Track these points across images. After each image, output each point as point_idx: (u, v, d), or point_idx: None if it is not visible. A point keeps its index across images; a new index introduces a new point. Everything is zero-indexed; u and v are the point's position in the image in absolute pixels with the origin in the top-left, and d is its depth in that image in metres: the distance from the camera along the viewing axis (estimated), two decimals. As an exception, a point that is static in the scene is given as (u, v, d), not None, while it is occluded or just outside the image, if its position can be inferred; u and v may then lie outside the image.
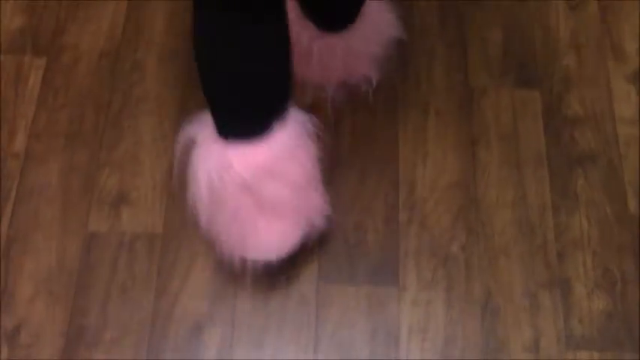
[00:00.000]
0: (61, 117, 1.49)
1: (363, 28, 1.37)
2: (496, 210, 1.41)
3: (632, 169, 1.45)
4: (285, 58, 1.17)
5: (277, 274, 1.32)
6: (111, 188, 1.43)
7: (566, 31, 1.58)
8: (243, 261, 1.26)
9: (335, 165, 1.44)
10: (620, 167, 1.45)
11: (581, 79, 1.54)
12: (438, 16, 1.59)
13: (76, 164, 1.45)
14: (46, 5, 1.61)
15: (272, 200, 1.20)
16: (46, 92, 1.51)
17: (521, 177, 1.43)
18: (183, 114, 1.48)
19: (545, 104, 1.51)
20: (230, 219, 1.21)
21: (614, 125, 1.49)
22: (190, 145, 1.20)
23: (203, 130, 1.20)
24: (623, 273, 1.36)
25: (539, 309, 1.32)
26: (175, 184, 1.37)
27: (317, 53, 1.36)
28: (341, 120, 1.49)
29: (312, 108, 1.47)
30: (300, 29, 1.34)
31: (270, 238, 1.24)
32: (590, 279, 1.35)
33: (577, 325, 1.31)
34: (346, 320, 1.32)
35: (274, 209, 1.22)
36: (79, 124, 1.49)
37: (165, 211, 1.41)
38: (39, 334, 1.30)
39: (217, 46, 1.13)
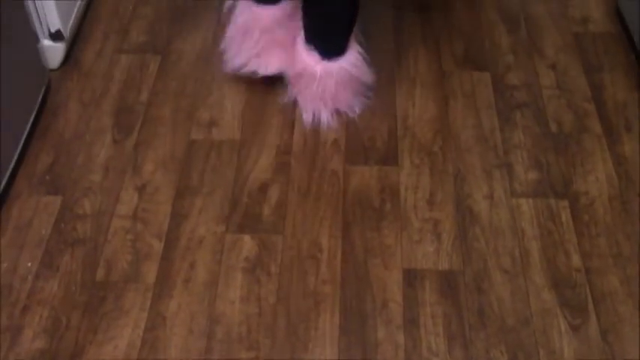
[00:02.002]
0: None
1: (347, 67, 2.01)
2: None
3: None
4: None
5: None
6: None
7: (570, 352, 1.62)
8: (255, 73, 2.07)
9: None
10: None
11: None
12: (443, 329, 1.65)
13: None
14: (68, 326, 1.67)
15: (281, 38, 2.03)
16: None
17: None
18: None
19: None
20: (254, 49, 2.04)
21: None
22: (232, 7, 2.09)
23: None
24: None
25: None
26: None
27: (319, 76, 1.98)
28: None
29: None
30: (307, 55, 1.99)
31: (275, 60, 2.05)
32: None
33: None
34: None
35: (281, 43, 2.03)
36: None
37: None
38: None
39: None
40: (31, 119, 2.01)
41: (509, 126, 2.04)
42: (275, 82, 2.12)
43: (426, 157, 1.96)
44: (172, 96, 2.12)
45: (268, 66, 2.05)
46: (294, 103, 2.08)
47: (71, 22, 2.23)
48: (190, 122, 2.05)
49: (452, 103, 2.09)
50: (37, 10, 2.11)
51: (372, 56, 2.17)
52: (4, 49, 1.85)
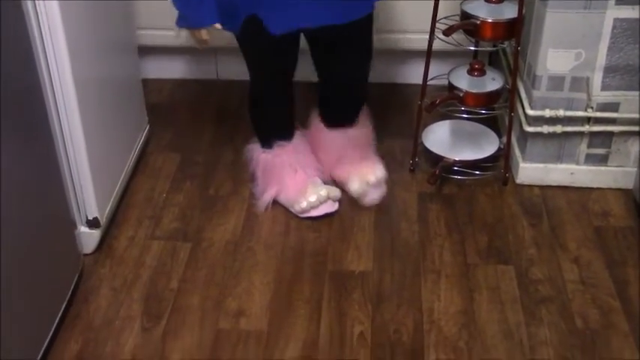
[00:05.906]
0: None
1: (357, 136, 2.47)
2: None
3: None
4: (292, 108, 2.41)
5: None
6: None
7: None
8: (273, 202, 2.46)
9: None
10: None
11: None
12: None
13: None
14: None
15: (282, 177, 2.42)
16: None
17: None
18: None
19: None
20: (269, 184, 2.43)
21: None
22: (254, 156, 2.45)
23: (257, 149, 2.45)
24: None
25: None
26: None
27: (329, 140, 2.47)
28: None
29: None
30: (318, 124, 2.48)
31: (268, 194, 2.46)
32: None
33: None
34: None
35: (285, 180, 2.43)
36: None
37: None
38: None
39: (261, 100, 2.39)
40: (63, 306, 2.05)
41: (535, 321, 2.04)
42: (299, 281, 2.17)
43: (451, 353, 1.96)
44: (201, 284, 2.16)
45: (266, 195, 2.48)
46: (320, 295, 2.12)
47: (108, 209, 2.32)
48: (218, 311, 2.08)
49: (477, 296, 2.11)
50: (76, 198, 2.20)
51: (397, 248, 2.23)
52: (42, 235, 1.92)
